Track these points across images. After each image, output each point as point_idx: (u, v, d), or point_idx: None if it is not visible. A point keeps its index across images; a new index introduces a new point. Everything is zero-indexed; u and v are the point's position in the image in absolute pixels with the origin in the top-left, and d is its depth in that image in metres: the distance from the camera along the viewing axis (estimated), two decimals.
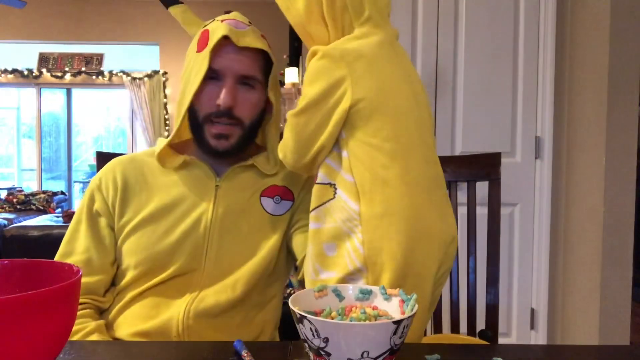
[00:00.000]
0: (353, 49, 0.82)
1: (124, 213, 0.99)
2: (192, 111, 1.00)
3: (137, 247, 0.96)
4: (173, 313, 0.93)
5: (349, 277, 0.80)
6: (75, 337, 0.90)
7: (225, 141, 0.98)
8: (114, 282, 1.01)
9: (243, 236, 0.99)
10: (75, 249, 0.98)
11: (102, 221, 1.00)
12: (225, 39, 0.94)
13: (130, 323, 0.94)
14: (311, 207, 0.86)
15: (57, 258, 0.98)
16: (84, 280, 0.96)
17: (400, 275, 0.79)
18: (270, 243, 1.00)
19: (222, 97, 0.95)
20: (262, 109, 1.03)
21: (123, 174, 1.01)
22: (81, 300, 0.95)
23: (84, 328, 0.92)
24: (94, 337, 0.91)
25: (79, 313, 0.94)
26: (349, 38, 0.85)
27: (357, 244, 0.80)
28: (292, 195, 1.05)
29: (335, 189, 0.83)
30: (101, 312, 1.00)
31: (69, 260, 0.97)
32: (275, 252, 1.01)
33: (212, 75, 0.96)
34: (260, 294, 1.02)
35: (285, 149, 0.87)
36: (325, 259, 0.83)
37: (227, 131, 0.97)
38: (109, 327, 0.97)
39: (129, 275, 0.97)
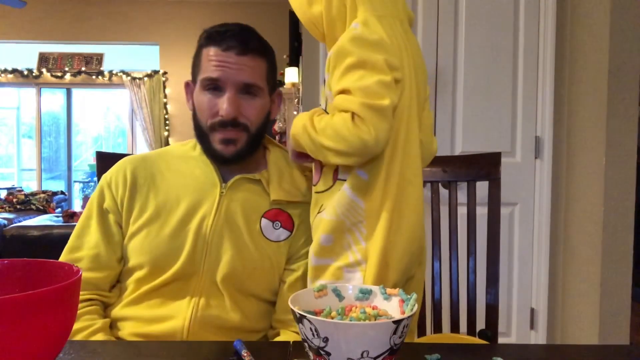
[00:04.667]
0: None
1: (131, 211, 1.00)
2: (195, 120, 1.01)
3: (141, 248, 0.97)
4: (178, 319, 0.93)
5: (347, 269, 0.84)
6: (82, 334, 0.90)
7: (233, 146, 0.98)
8: (119, 279, 1.02)
9: (240, 248, 0.97)
10: (84, 243, 0.99)
11: (111, 218, 1.00)
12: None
13: (135, 325, 0.94)
14: (319, 190, 0.89)
15: (65, 251, 0.99)
16: (91, 275, 0.96)
17: (401, 271, 0.82)
18: (267, 267, 0.98)
19: (225, 108, 0.95)
20: (268, 112, 1.03)
21: (133, 172, 1.02)
22: (88, 296, 0.96)
23: (92, 325, 0.92)
24: (100, 336, 0.91)
25: (86, 309, 0.94)
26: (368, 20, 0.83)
27: (359, 237, 0.83)
28: (293, 225, 1.01)
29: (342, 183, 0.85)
30: (106, 307, 1.00)
31: (78, 254, 0.98)
32: (273, 285, 1.00)
33: (213, 86, 0.97)
34: (266, 320, 1.01)
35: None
36: (320, 248, 0.86)
37: (234, 136, 0.97)
38: (112, 326, 0.97)
39: (134, 275, 0.97)
